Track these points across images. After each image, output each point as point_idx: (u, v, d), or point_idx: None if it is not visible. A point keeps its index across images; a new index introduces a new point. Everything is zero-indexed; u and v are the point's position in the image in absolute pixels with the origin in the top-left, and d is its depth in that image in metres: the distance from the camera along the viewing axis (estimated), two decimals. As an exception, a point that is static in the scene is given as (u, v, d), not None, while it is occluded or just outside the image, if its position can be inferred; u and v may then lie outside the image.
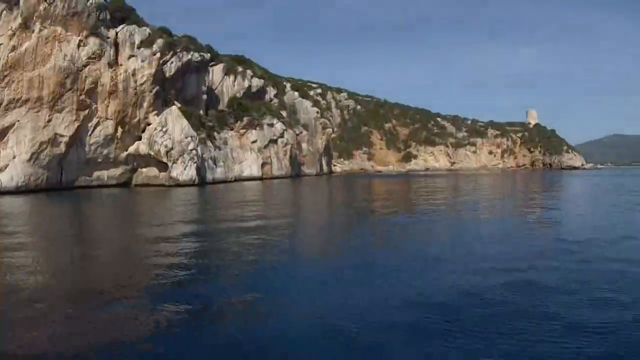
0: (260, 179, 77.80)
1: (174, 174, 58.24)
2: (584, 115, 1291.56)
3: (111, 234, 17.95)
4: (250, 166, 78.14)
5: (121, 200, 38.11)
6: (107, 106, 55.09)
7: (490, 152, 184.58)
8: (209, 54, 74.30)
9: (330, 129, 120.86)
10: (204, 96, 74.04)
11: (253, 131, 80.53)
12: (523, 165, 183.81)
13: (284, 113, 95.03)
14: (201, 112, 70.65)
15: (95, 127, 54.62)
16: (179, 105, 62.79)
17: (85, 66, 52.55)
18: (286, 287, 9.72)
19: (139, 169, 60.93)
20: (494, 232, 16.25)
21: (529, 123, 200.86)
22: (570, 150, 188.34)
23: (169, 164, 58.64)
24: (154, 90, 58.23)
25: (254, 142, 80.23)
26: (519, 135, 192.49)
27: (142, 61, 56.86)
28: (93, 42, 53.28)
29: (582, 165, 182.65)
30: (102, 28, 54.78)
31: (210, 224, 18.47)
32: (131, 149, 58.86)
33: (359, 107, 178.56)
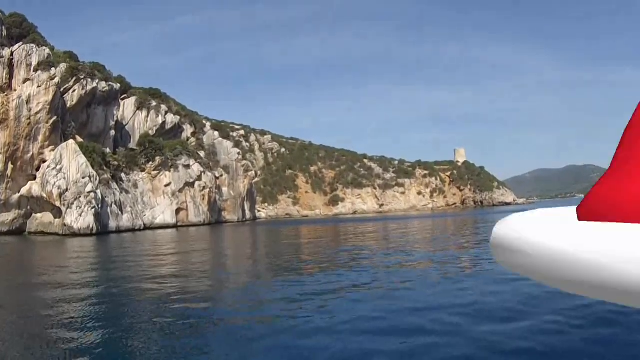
0: (175, 226, 73.46)
1: (68, 220, 52.37)
2: (508, 152, 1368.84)
3: None
4: (163, 212, 73.76)
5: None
6: (-5, 138, 50.06)
7: (419, 193, 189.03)
8: (118, 85, 70.62)
9: (253, 172, 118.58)
10: (112, 132, 69.86)
11: (167, 173, 76.44)
12: (453, 204, 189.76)
13: (202, 154, 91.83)
14: (108, 149, 66.01)
15: (-20, 163, 49.41)
16: (80, 140, 57.96)
17: (-29, 89, 47.72)
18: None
19: (33, 214, 55.31)
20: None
21: (458, 161, 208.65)
22: (501, 187, 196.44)
23: (63, 208, 53.14)
24: (51, 121, 53.71)
25: (168, 185, 76.14)
26: (448, 174, 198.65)
27: (39, 86, 52.46)
28: (-17, 61, 48.67)
29: (515, 200, 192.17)
30: (-4, 45, 50.29)
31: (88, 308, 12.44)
32: (24, 190, 53.64)
33: (283, 149, 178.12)
